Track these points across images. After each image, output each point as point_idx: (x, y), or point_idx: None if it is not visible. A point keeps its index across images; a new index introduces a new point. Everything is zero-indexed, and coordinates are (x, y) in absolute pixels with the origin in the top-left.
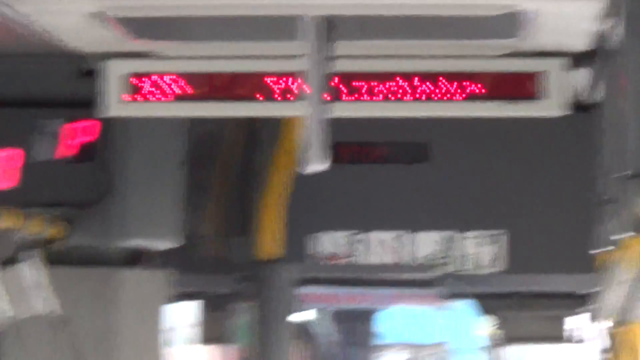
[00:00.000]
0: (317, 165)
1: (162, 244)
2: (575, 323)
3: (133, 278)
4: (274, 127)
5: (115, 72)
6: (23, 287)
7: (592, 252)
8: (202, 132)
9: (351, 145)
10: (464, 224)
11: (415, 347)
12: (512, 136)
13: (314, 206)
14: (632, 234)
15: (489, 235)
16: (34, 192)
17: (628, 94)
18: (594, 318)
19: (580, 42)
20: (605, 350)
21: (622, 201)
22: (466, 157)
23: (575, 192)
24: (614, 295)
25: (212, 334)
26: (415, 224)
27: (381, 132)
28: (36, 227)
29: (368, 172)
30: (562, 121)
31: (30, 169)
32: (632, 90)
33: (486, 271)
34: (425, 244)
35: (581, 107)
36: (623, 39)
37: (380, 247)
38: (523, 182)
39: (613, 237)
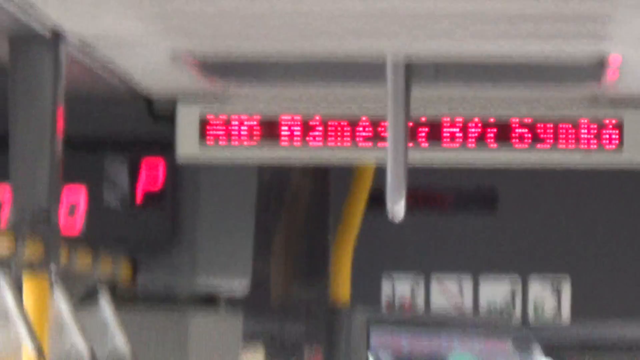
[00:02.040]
0: (397, 212)
1: (231, 288)
2: None
3: (202, 322)
4: (345, 171)
5: (189, 115)
6: (93, 328)
7: None
8: (271, 175)
9: (419, 191)
10: (531, 271)
11: None
12: (580, 180)
13: (383, 251)
14: None
15: (555, 280)
16: (104, 234)
17: None
18: None
19: None
20: None
21: None
22: (535, 204)
23: None
24: None
25: None
26: (480, 268)
27: (448, 177)
28: (106, 269)
29: (436, 218)
30: (635, 172)
31: (99, 211)
32: None
33: (553, 319)
34: (491, 288)
35: None
36: None
37: (447, 293)
38: (591, 228)
39: None
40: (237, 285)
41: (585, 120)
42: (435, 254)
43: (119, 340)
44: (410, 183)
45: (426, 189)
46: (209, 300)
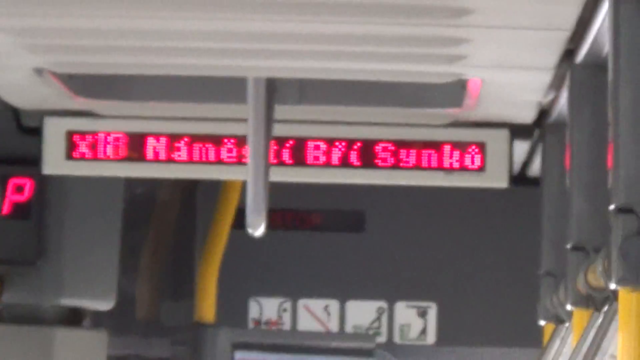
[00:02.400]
0: (257, 229)
1: (97, 305)
2: None
3: (67, 338)
4: (212, 189)
5: (56, 130)
6: None
7: (530, 325)
8: (137, 192)
9: (287, 211)
10: (397, 295)
11: None
12: (450, 207)
13: (251, 271)
14: (573, 308)
15: (421, 307)
16: None
17: (571, 168)
18: None
19: (524, 114)
20: None
21: (563, 274)
22: (402, 227)
23: (513, 265)
24: None
25: None
26: (348, 293)
27: (317, 199)
28: None
29: (304, 239)
30: (502, 194)
31: None
32: (576, 165)
33: (416, 342)
34: (357, 313)
35: (522, 180)
36: (568, 113)
37: (312, 314)
38: (459, 253)
39: (554, 311)
40: (104, 301)
41: (448, 142)
42: (302, 277)
43: None
44: (277, 204)
45: (294, 211)
46: (74, 317)
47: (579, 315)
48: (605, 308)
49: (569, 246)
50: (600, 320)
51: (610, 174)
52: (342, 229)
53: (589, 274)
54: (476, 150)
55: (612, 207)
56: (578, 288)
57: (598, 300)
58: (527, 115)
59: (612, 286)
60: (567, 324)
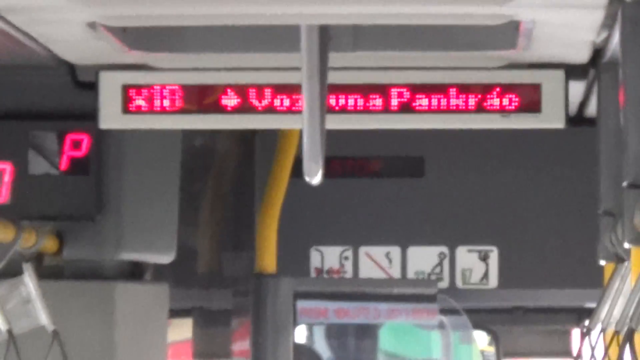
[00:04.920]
0: (314, 177)
1: (157, 258)
2: (573, 337)
3: (129, 292)
4: (270, 139)
5: (112, 84)
6: (17, 301)
7: (592, 265)
8: (195, 144)
9: (346, 159)
10: (458, 240)
11: None
12: (508, 150)
13: (311, 220)
14: (631, 245)
15: (482, 251)
16: (27, 206)
17: (626, 106)
18: (591, 330)
19: (578, 54)
20: None
21: (621, 213)
22: (462, 171)
23: (573, 206)
24: (615, 306)
25: (206, 349)
26: (409, 239)
27: (375, 146)
28: (29, 241)
29: (364, 186)
30: (559, 134)
31: (23, 182)
32: (630, 103)
33: (478, 287)
34: (419, 259)
35: (579, 120)
36: (620, 51)
37: (374, 261)
38: (519, 196)
39: (613, 250)
40: (164, 254)
41: (504, 84)
42: (363, 225)
43: (42, 315)
44: (336, 152)
45: (353, 158)
46: (135, 271)
47: (638, 253)
48: None
49: (625, 184)
50: None
51: None
52: (401, 175)
53: None
54: (532, 91)
55: None
56: (635, 226)
57: None
58: (581, 55)
59: None
60: (626, 263)
